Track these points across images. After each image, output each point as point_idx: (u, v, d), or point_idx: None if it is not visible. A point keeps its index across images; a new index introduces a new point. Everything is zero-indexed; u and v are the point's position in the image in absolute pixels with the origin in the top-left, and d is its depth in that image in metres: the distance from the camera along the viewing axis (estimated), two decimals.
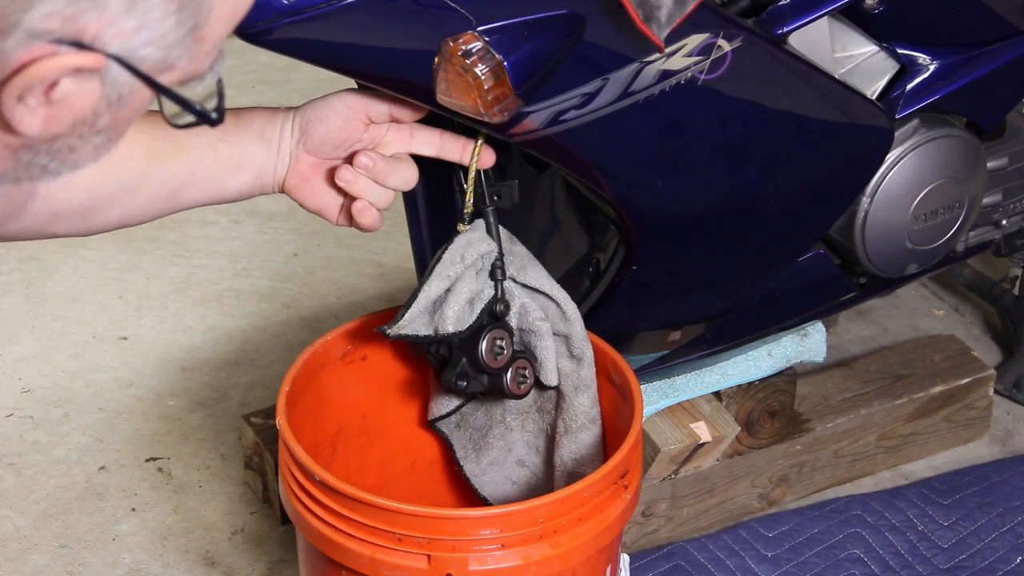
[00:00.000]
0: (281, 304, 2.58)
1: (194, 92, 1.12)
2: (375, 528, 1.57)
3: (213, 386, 2.40)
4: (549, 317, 1.73)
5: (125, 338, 2.50)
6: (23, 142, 1.08)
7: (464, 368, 1.68)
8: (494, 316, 1.70)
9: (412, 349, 1.79)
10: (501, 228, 1.70)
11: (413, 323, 1.66)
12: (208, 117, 1.13)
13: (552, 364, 1.73)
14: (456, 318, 1.66)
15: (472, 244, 1.68)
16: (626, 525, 1.83)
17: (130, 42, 1.05)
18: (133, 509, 2.18)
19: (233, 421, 2.32)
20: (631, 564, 2.02)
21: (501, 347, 1.69)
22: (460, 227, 1.69)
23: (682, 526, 2.11)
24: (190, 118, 1.13)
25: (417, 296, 1.66)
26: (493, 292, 1.69)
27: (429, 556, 1.56)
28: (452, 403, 1.83)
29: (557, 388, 1.77)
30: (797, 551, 2.08)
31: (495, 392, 1.73)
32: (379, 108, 1.60)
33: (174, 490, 2.21)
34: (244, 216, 2.80)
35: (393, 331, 1.66)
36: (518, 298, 1.71)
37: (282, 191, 1.64)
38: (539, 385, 1.77)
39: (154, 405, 2.36)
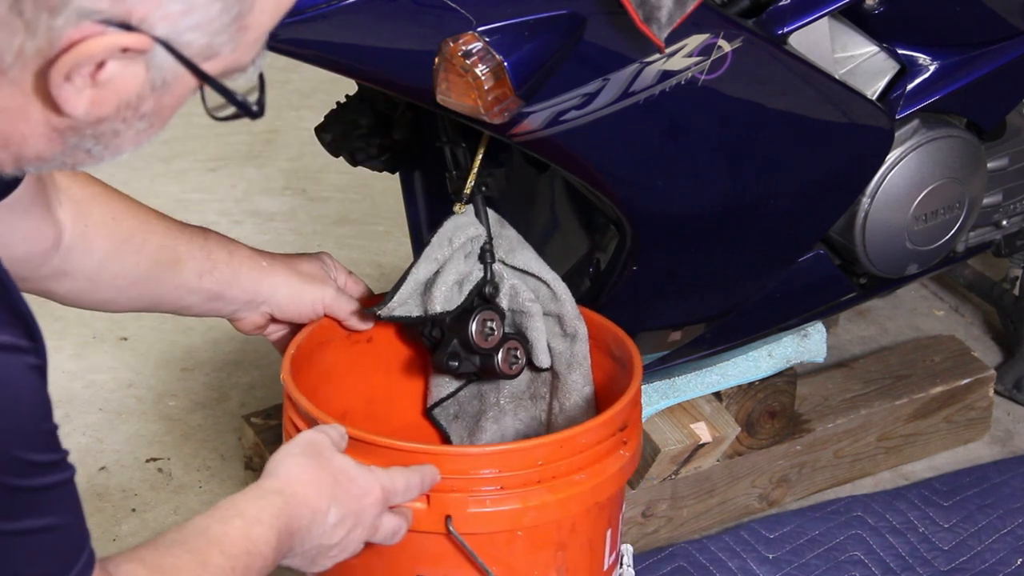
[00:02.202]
0: None
1: (236, 84, 1.14)
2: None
3: (213, 386, 2.40)
4: (540, 298, 1.75)
5: (125, 338, 2.50)
6: (70, 124, 1.10)
7: (455, 348, 1.71)
8: (484, 298, 1.72)
9: (408, 332, 1.81)
10: (491, 212, 1.73)
11: (404, 305, 1.70)
12: (249, 109, 1.14)
13: (543, 345, 1.75)
14: (444, 298, 1.69)
15: (460, 228, 1.70)
16: (627, 524, 1.83)
17: (176, 25, 1.08)
18: (133, 509, 2.18)
19: (233, 421, 2.32)
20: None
21: (492, 328, 1.72)
22: (456, 208, 1.71)
23: (682, 527, 2.11)
24: (231, 110, 1.14)
25: (406, 278, 1.69)
26: (482, 274, 1.72)
27: (428, 497, 1.56)
28: (449, 387, 1.84)
29: (551, 370, 1.78)
30: (798, 553, 2.08)
31: (487, 373, 1.75)
32: (344, 308, 1.76)
33: (174, 490, 2.21)
34: (244, 216, 2.80)
35: (384, 312, 1.69)
36: (507, 280, 1.73)
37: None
38: (533, 369, 1.78)
39: (154, 405, 2.36)
